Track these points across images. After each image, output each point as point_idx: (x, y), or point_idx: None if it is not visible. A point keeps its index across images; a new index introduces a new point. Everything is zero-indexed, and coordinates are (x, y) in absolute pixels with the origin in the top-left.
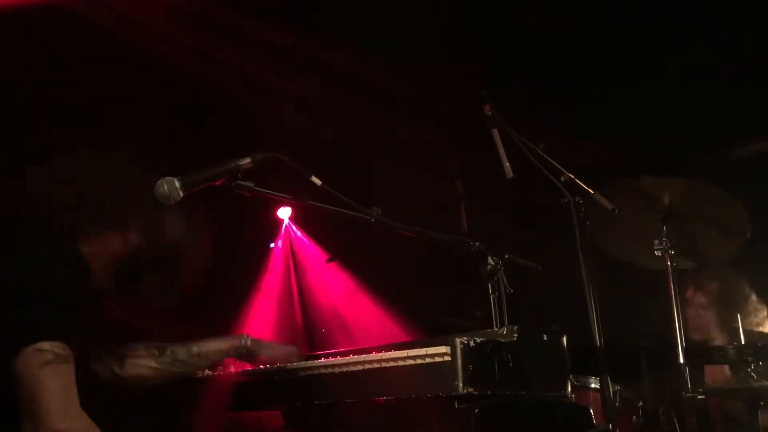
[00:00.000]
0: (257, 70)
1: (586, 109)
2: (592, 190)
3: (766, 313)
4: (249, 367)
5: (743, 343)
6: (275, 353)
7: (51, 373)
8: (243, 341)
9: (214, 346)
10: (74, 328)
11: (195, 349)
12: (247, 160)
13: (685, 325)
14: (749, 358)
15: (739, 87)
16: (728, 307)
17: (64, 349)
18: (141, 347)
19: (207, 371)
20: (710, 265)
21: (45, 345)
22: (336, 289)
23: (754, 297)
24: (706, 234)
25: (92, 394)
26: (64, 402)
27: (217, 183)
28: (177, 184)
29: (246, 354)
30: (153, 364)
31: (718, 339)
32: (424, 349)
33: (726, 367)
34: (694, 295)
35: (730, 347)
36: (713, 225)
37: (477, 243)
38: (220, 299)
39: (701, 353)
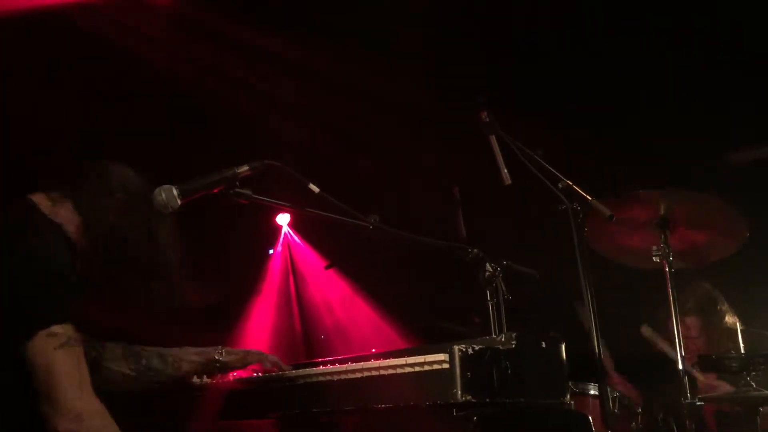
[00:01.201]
0: (254, 78)
1: (582, 121)
2: (590, 196)
3: (734, 319)
4: (244, 375)
5: (743, 352)
6: (247, 362)
7: (65, 356)
8: (218, 355)
9: (190, 357)
10: (76, 311)
11: (170, 359)
12: (245, 167)
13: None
14: (750, 367)
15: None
16: (711, 330)
17: (75, 332)
18: (118, 348)
19: (205, 378)
20: (685, 287)
21: (57, 328)
22: (334, 295)
23: (725, 305)
24: (704, 239)
25: None
26: (78, 383)
27: (215, 191)
28: (175, 192)
29: (220, 367)
30: (126, 370)
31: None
32: (423, 356)
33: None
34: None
35: (733, 356)
36: (711, 230)
37: (475, 250)
38: (219, 305)
39: (703, 362)
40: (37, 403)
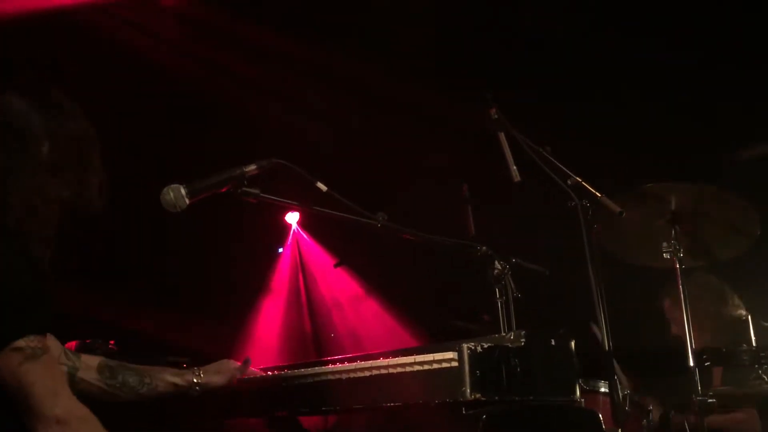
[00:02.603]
0: (262, 77)
1: (590, 115)
2: (599, 193)
3: (742, 311)
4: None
5: (755, 345)
6: (220, 382)
7: (33, 367)
8: (197, 378)
9: (167, 379)
10: (42, 317)
11: (147, 378)
12: (253, 166)
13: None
14: (762, 360)
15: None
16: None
17: (40, 341)
18: (94, 361)
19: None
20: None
21: (20, 343)
22: (344, 293)
23: (726, 288)
24: (715, 235)
25: None
26: (52, 389)
27: (223, 190)
28: (183, 191)
29: (197, 390)
30: (101, 384)
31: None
32: (431, 354)
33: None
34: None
35: (744, 349)
36: (722, 226)
37: (484, 247)
38: (229, 304)
39: (713, 356)
40: (25, 420)
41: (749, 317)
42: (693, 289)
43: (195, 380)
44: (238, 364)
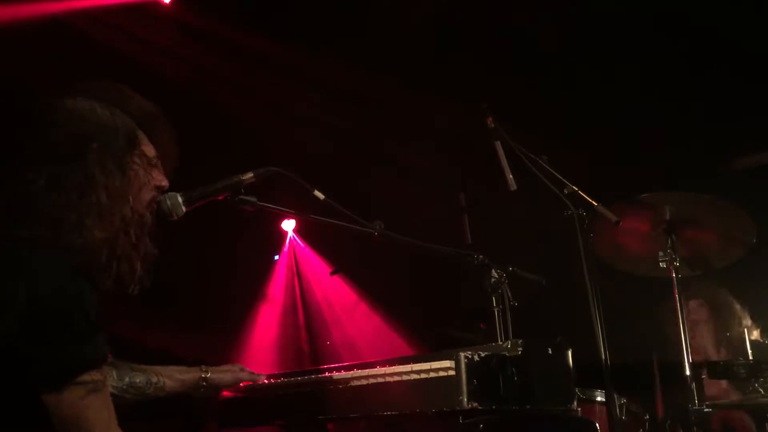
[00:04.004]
0: (261, 86)
1: (585, 125)
2: (596, 202)
3: (750, 322)
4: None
5: (751, 358)
6: (227, 380)
7: (93, 403)
8: (204, 374)
9: (175, 378)
10: (104, 346)
11: (154, 378)
12: (250, 174)
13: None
14: (759, 374)
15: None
16: (719, 320)
17: (101, 374)
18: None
19: None
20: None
21: (84, 377)
22: (340, 301)
23: (737, 306)
24: (711, 243)
25: None
26: (107, 424)
27: (220, 198)
28: (180, 199)
29: (207, 386)
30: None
31: (714, 354)
32: (428, 363)
33: (724, 381)
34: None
35: (741, 363)
36: (718, 235)
37: (481, 256)
38: (224, 311)
39: (711, 369)
40: None
41: (746, 329)
42: (713, 306)
43: (202, 375)
44: (247, 370)
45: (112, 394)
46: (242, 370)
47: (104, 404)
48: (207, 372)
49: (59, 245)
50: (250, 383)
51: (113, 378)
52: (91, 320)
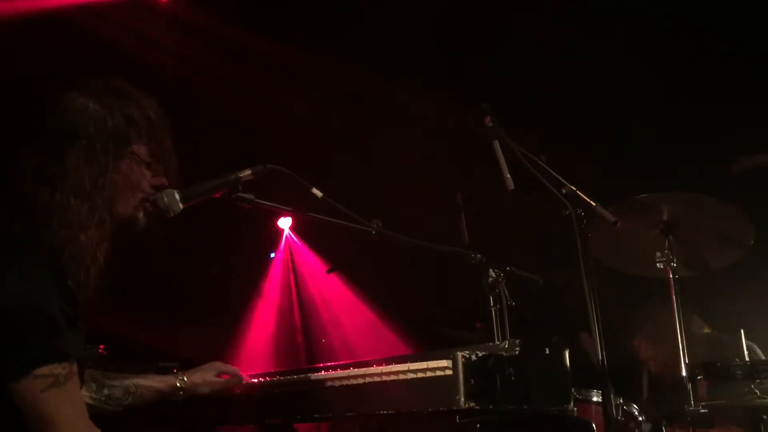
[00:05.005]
0: (259, 84)
1: (584, 125)
2: (594, 202)
3: (705, 329)
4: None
5: (748, 360)
6: (211, 382)
7: (54, 396)
8: (180, 382)
9: (151, 386)
10: (74, 341)
11: (132, 388)
12: (248, 172)
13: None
14: (754, 375)
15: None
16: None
17: (64, 368)
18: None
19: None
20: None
21: (43, 370)
22: (336, 299)
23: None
24: (709, 244)
25: None
26: (73, 420)
27: (218, 195)
28: (177, 196)
29: (183, 395)
30: (87, 398)
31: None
32: (425, 362)
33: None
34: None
35: (737, 364)
36: (716, 236)
37: (478, 255)
38: (220, 309)
39: (707, 370)
40: None
41: (741, 331)
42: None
43: (179, 384)
44: (227, 365)
45: (91, 406)
46: (221, 368)
47: (68, 399)
48: (183, 380)
49: (34, 240)
50: (248, 383)
51: (93, 390)
52: (53, 316)
